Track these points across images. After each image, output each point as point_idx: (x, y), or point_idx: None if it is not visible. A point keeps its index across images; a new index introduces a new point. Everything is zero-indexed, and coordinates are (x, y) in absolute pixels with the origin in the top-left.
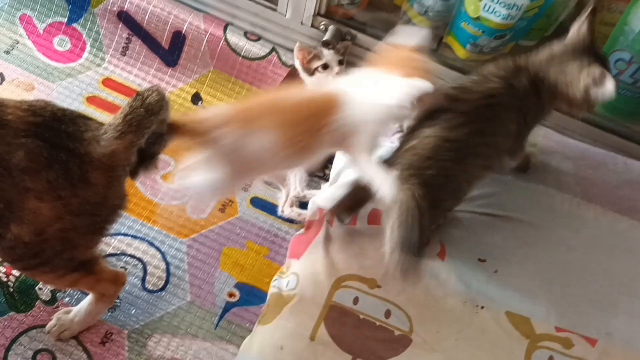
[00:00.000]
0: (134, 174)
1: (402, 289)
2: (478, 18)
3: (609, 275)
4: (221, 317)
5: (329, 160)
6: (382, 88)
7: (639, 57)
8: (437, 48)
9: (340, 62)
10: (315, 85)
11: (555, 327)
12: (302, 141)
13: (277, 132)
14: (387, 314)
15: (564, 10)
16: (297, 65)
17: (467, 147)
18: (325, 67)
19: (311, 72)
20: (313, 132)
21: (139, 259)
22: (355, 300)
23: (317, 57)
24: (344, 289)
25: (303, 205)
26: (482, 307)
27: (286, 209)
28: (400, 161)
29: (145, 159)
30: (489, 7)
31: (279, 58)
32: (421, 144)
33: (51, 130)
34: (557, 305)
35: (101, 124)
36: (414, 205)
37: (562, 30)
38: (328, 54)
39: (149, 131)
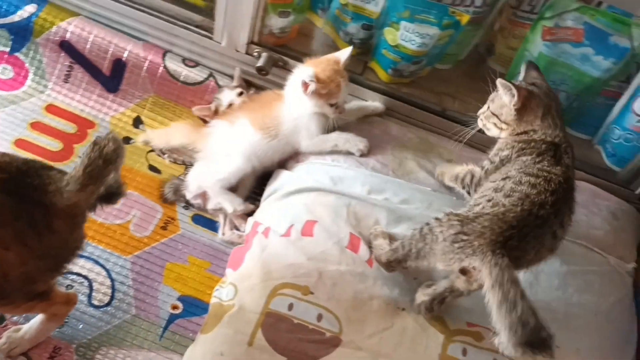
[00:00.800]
0: (92, 209)
1: (331, 296)
2: (397, 46)
3: None
4: (165, 328)
5: (265, 178)
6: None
7: None
8: (362, 72)
9: (241, 94)
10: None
11: (467, 322)
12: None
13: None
14: (319, 317)
15: (475, 37)
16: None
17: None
18: (230, 106)
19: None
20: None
21: (85, 277)
22: (290, 307)
23: (219, 105)
24: (280, 297)
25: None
26: (403, 309)
27: (227, 232)
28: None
29: (105, 198)
30: (405, 36)
31: (217, 83)
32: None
33: (18, 185)
34: (467, 304)
35: (63, 174)
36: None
37: (476, 54)
38: (226, 96)
39: (108, 178)
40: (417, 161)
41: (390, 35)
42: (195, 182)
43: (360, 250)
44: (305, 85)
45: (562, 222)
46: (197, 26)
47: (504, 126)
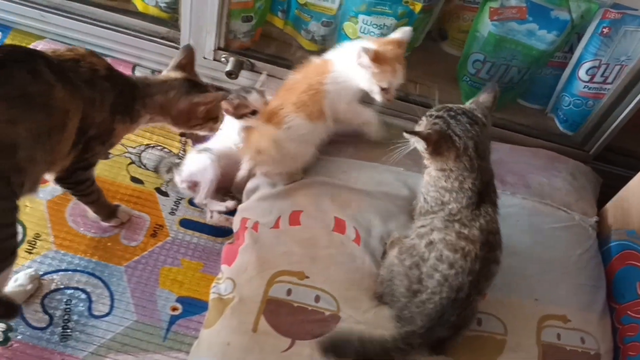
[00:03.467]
0: None
1: (326, 277)
2: (357, 39)
3: None
4: (168, 329)
5: None
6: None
7: (491, 57)
8: None
9: (266, 104)
10: (245, 126)
11: None
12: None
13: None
14: (317, 299)
15: (428, 24)
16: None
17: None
18: (254, 113)
19: (240, 117)
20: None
21: (82, 290)
22: (289, 292)
23: (243, 105)
24: (278, 284)
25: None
26: None
27: (215, 216)
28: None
29: None
30: (364, 28)
31: None
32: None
33: None
34: None
35: None
36: None
37: (430, 40)
38: (255, 100)
39: None
40: (386, 145)
41: (350, 29)
42: (189, 171)
43: (347, 231)
44: (360, 55)
45: (487, 280)
46: (163, 38)
47: (425, 158)
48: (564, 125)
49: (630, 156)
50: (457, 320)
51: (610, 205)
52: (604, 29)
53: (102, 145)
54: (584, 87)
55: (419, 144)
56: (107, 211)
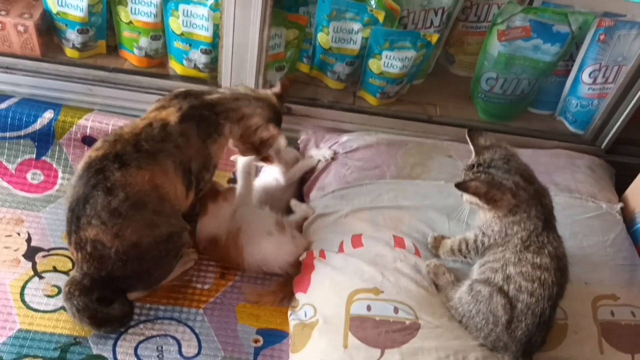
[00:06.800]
0: None
1: (399, 289)
2: (381, 73)
3: None
4: None
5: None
6: None
7: (503, 74)
8: (353, 102)
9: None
10: None
11: None
12: None
13: None
14: (395, 310)
15: (438, 52)
16: None
17: None
18: None
19: None
20: None
21: (171, 336)
22: (368, 308)
23: None
24: (357, 302)
25: None
26: None
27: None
28: None
29: None
30: (388, 63)
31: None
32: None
33: None
34: None
35: None
36: None
37: (438, 66)
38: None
39: None
40: (423, 163)
41: (375, 66)
42: None
43: (407, 245)
44: None
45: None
46: None
47: (487, 207)
48: (574, 125)
49: (639, 145)
50: (544, 336)
51: (630, 191)
52: (600, 36)
53: (207, 171)
54: (589, 89)
55: (473, 199)
56: None
